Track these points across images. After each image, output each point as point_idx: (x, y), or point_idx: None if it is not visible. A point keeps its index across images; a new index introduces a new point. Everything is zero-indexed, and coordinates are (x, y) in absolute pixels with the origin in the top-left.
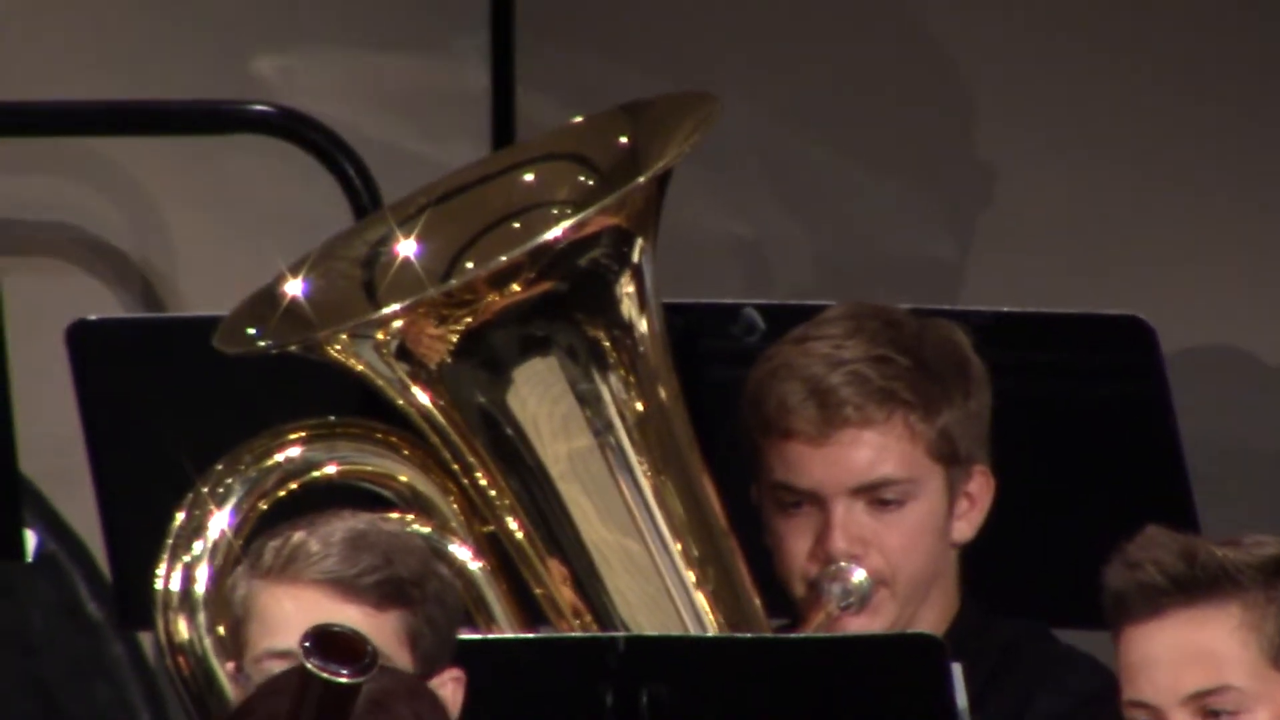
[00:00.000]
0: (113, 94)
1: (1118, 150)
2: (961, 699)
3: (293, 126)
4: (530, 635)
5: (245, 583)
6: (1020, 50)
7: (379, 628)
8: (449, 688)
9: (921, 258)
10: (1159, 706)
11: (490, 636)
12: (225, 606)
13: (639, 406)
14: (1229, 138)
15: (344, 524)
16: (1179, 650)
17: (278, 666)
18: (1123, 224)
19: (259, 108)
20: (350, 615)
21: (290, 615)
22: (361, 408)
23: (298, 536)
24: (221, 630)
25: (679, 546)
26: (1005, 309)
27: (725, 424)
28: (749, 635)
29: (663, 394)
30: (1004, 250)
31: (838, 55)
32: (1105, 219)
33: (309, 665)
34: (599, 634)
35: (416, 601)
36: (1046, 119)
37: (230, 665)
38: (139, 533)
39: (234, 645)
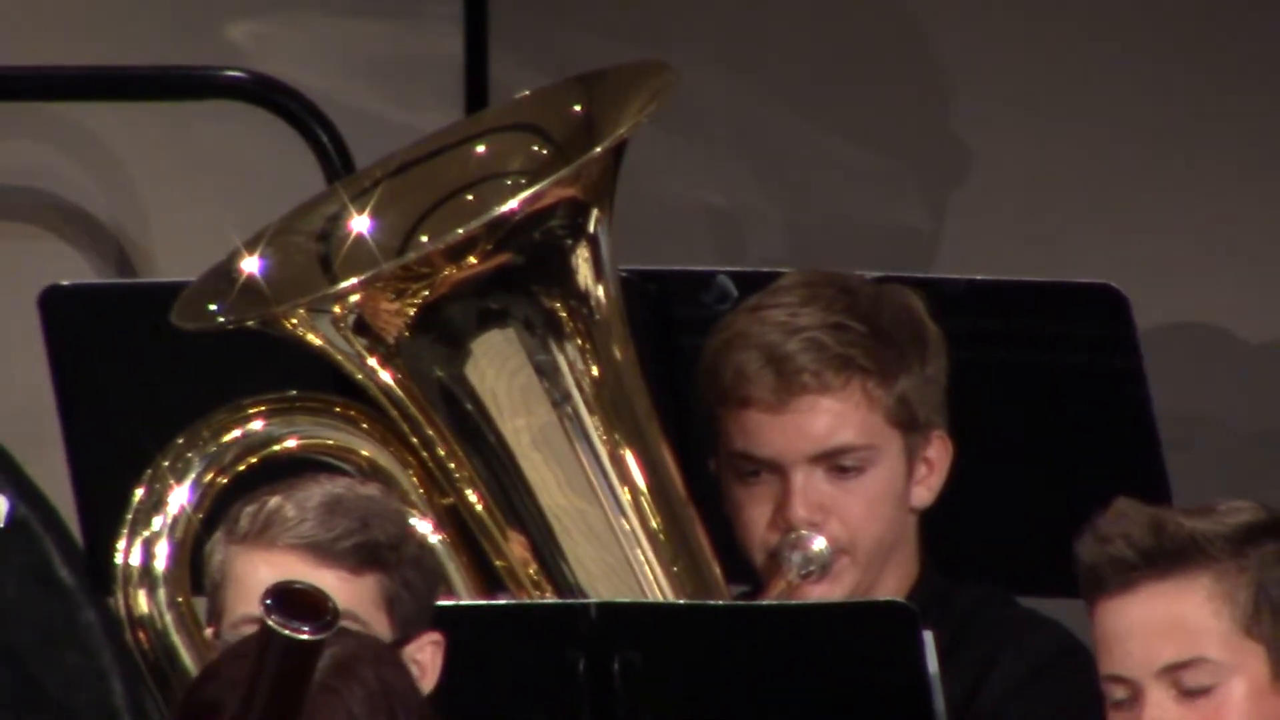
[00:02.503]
0: (86, 59)
1: (1092, 119)
2: (933, 666)
3: (266, 93)
4: (502, 602)
5: (222, 549)
6: (994, 18)
7: (356, 592)
8: (428, 651)
9: (895, 226)
10: (1134, 679)
11: (463, 603)
12: (201, 574)
13: (597, 376)
14: (1202, 109)
15: (320, 488)
16: (1152, 623)
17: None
18: (1097, 193)
19: (233, 74)
20: (327, 580)
21: (266, 581)
22: (336, 375)
23: (274, 501)
24: (181, 601)
25: (638, 515)
26: (978, 277)
27: (698, 391)
28: (722, 603)
29: (620, 362)
30: (977, 219)
31: (813, 25)
32: (1079, 188)
33: (270, 622)
34: (571, 601)
35: (393, 565)
36: (1021, 87)
37: (209, 630)
38: (111, 498)
39: (212, 611)
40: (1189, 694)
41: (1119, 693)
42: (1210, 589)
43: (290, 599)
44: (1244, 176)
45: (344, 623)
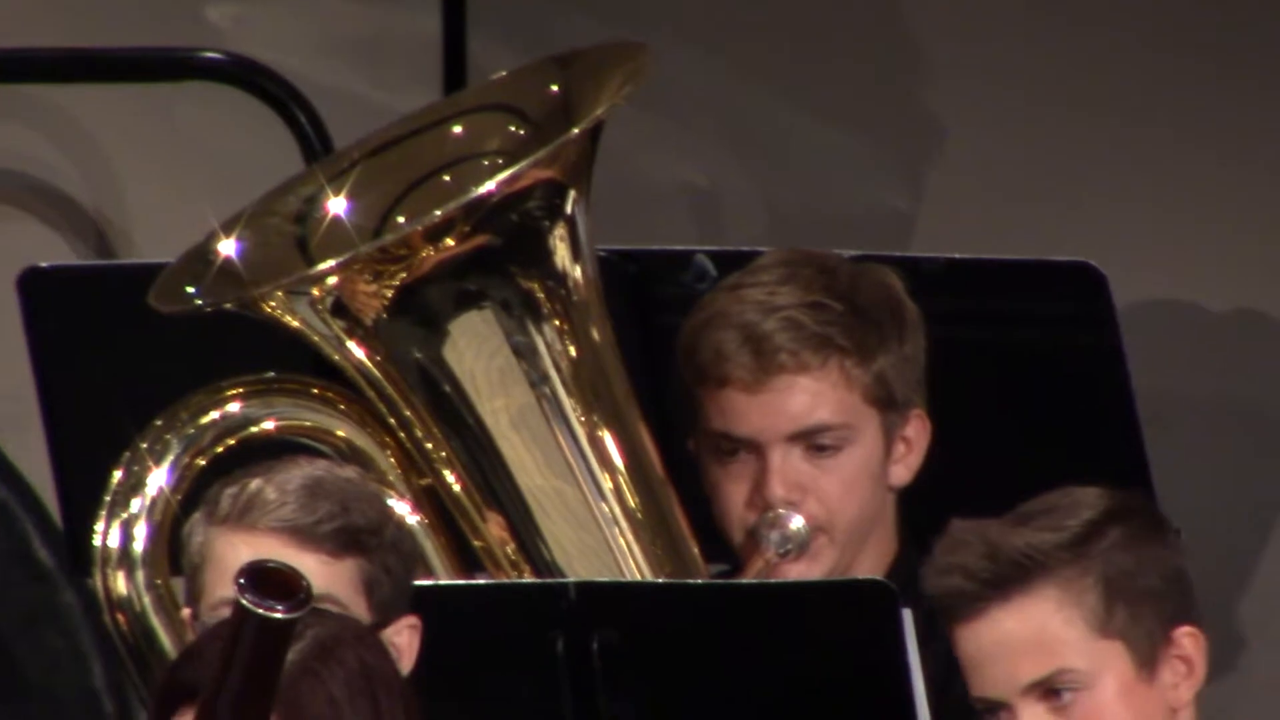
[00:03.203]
0: (65, 41)
1: (1070, 100)
2: (912, 645)
3: (245, 74)
4: (480, 582)
5: (202, 530)
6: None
7: (336, 576)
8: (405, 635)
9: (873, 205)
10: (1003, 700)
11: (441, 584)
12: (180, 555)
13: (575, 357)
14: (1180, 88)
15: (301, 471)
16: (1007, 644)
17: None
18: (1074, 172)
19: (212, 55)
20: (307, 564)
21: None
22: (314, 357)
23: (254, 484)
24: (160, 583)
25: (616, 495)
26: (957, 256)
27: (676, 371)
28: (701, 581)
29: (598, 343)
30: (955, 198)
31: (792, 5)
32: (1057, 166)
33: (244, 601)
34: (550, 580)
35: (373, 549)
36: (999, 65)
37: (186, 612)
38: (90, 480)
39: (190, 592)
40: (1058, 702)
41: (991, 710)
42: (1058, 599)
43: (264, 578)
44: (1225, 156)
45: (324, 605)
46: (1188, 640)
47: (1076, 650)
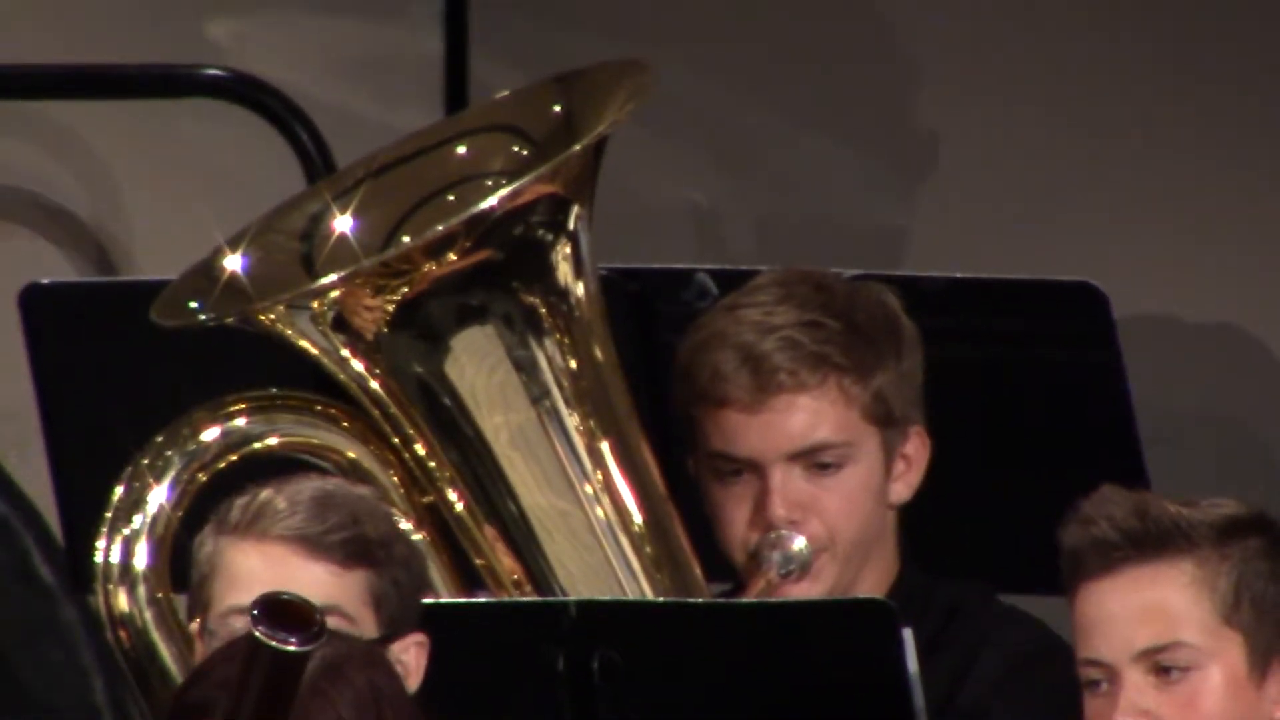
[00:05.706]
0: (67, 58)
1: (1069, 115)
2: (913, 664)
3: (246, 91)
4: (482, 600)
5: (212, 540)
6: (967, 12)
7: (344, 586)
8: (412, 652)
9: (873, 224)
10: (1111, 663)
11: (443, 601)
12: (180, 572)
13: (576, 372)
14: (1180, 103)
15: (312, 484)
16: (1131, 607)
17: (243, 623)
18: (1075, 189)
19: (213, 72)
20: (316, 573)
21: (256, 571)
22: (317, 375)
23: (265, 494)
24: (161, 598)
25: (617, 513)
26: (958, 275)
27: (675, 391)
28: (701, 601)
29: (600, 360)
30: (955, 216)
31: (789, 22)
32: (1058, 184)
33: (257, 633)
34: (551, 599)
35: (382, 563)
36: (997, 82)
37: (194, 625)
38: (91, 496)
39: (198, 602)
40: (1166, 679)
41: (1096, 675)
42: (1192, 575)
43: (278, 610)
44: (1225, 171)
45: (330, 617)
46: None
47: (1197, 628)
